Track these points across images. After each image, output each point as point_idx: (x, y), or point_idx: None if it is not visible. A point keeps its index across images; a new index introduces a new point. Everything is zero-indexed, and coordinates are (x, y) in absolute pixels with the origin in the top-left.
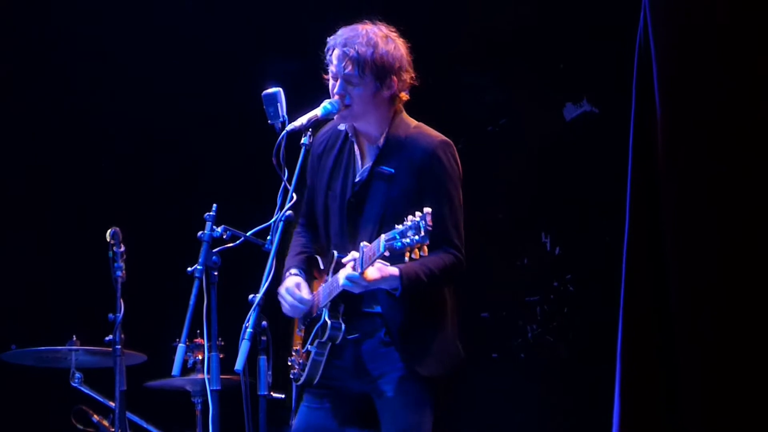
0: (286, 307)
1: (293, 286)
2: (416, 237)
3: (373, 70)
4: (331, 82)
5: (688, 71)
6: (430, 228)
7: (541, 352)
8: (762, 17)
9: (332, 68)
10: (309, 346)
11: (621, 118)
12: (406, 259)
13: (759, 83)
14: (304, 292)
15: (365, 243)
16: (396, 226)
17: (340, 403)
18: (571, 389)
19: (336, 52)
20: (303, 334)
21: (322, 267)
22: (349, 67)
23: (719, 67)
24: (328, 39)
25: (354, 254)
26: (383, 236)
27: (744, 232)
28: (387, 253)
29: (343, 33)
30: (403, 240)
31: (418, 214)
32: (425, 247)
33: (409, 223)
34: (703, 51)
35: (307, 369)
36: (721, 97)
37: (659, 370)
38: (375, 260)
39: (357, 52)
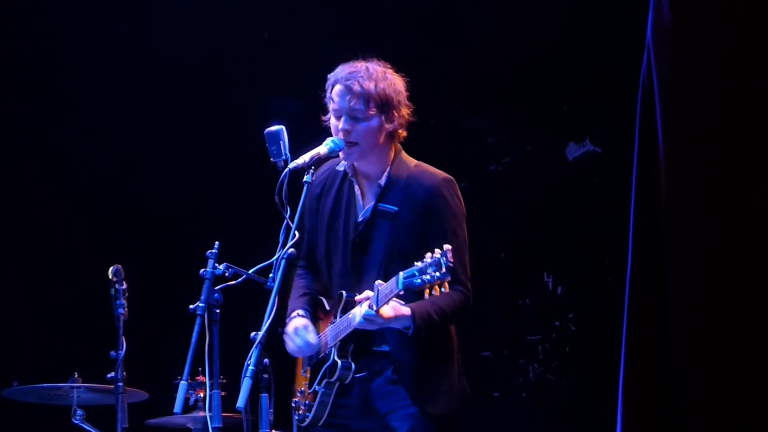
0: (292, 347)
1: (302, 328)
2: (437, 274)
3: (377, 103)
4: (332, 120)
5: (692, 111)
6: (451, 265)
7: (542, 391)
8: None
9: (334, 105)
10: (316, 387)
11: (624, 158)
12: (426, 295)
13: (766, 122)
14: (311, 336)
15: (380, 281)
16: (415, 263)
17: None
18: (573, 428)
19: (338, 88)
20: (308, 375)
21: (328, 308)
22: (354, 102)
23: (724, 107)
24: (329, 76)
25: (368, 293)
26: (401, 273)
27: (745, 251)
28: (401, 292)
29: (343, 69)
30: (423, 277)
31: (437, 251)
32: (446, 284)
33: (428, 260)
34: (708, 91)
35: (313, 410)
36: (727, 137)
37: (662, 410)
38: (391, 298)
39: (361, 86)
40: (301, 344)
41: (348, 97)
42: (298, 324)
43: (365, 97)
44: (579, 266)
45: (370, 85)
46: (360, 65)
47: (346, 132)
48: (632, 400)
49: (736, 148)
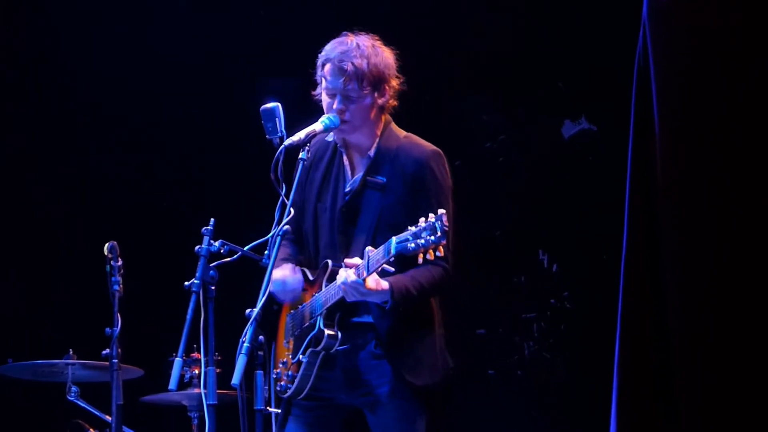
0: (280, 293)
1: (279, 272)
2: (432, 237)
3: (370, 81)
4: (324, 98)
5: (688, 90)
6: (447, 228)
7: (537, 369)
8: (766, 37)
9: (327, 84)
10: (301, 356)
11: (620, 136)
12: (420, 260)
13: (764, 103)
14: (288, 271)
15: (370, 248)
16: (408, 228)
17: (329, 416)
18: (568, 406)
19: (329, 67)
20: (291, 346)
21: (311, 278)
22: (347, 82)
23: (720, 85)
24: (319, 54)
25: (358, 260)
26: (394, 238)
27: (746, 254)
28: (392, 259)
29: (334, 47)
30: (417, 241)
31: (431, 215)
32: (441, 248)
33: (423, 225)
34: (704, 69)
35: (297, 380)
36: (723, 115)
37: (657, 386)
38: (382, 264)
39: (354, 66)
40: (289, 288)
41: (341, 78)
42: (277, 275)
43: (358, 77)
44: (574, 244)
45: (363, 64)
46: (350, 41)
47: (340, 111)
48: (627, 379)
49: (734, 142)
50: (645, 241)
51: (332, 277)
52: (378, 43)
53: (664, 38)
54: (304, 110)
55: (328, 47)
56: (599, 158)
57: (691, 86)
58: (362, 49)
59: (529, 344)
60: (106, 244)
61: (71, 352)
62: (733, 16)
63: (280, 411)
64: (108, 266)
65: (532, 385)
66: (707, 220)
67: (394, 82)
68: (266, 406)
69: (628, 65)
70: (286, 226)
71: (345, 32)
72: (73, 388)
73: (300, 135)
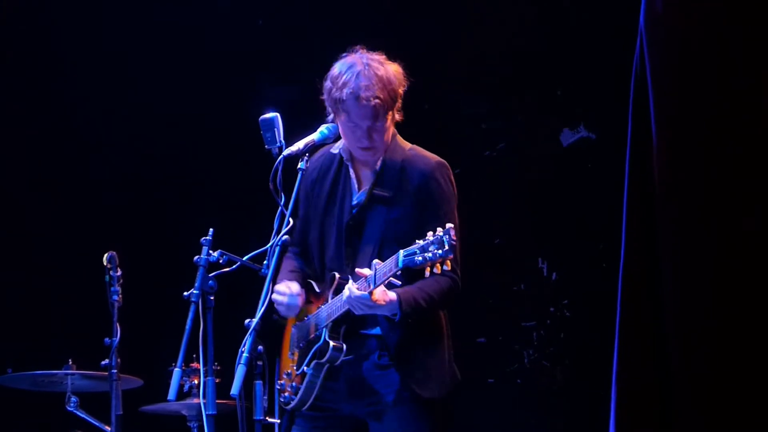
0: (281, 308)
1: (284, 287)
2: (439, 251)
3: (390, 105)
4: (343, 117)
5: (685, 97)
6: (454, 242)
7: (537, 378)
8: (762, 44)
9: (353, 116)
10: (305, 368)
11: (618, 144)
12: (427, 274)
13: (759, 109)
14: (294, 287)
15: (377, 260)
16: (416, 241)
17: (332, 427)
18: (568, 414)
19: (352, 101)
20: (295, 357)
21: (318, 290)
22: (377, 120)
23: (717, 92)
24: (335, 75)
25: (367, 271)
26: (401, 252)
27: (744, 258)
28: (399, 272)
29: (353, 75)
30: (425, 255)
31: (439, 229)
32: (448, 262)
33: (430, 239)
34: (700, 76)
35: (300, 392)
36: (720, 121)
37: (655, 394)
38: (389, 277)
39: (381, 100)
40: (288, 301)
41: (371, 115)
42: (279, 287)
43: (384, 110)
44: (573, 252)
45: (382, 94)
46: (359, 65)
47: (370, 142)
48: (625, 387)
49: (731, 147)
50: (643, 249)
51: (339, 290)
52: (384, 60)
53: (660, 46)
54: (304, 120)
55: (344, 70)
56: (598, 166)
57: (687, 93)
58: (381, 76)
59: (528, 352)
60: (106, 255)
61: (70, 362)
62: (730, 23)
63: (280, 422)
64: (107, 276)
65: (532, 393)
66: (705, 227)
67: (402, 91)
68: (265, 416)
69: (626, 73)
70: (285, 236)
71: (350, 51)
72: (73, 398)
73: (299, 145)
